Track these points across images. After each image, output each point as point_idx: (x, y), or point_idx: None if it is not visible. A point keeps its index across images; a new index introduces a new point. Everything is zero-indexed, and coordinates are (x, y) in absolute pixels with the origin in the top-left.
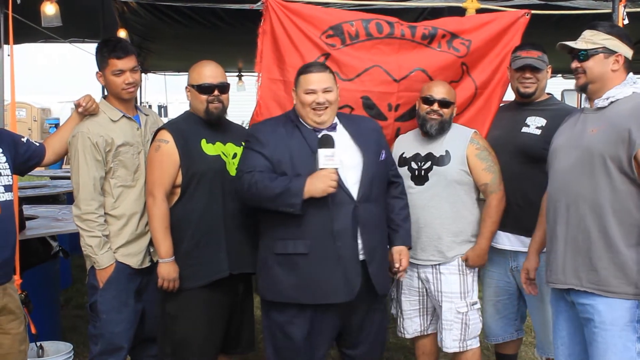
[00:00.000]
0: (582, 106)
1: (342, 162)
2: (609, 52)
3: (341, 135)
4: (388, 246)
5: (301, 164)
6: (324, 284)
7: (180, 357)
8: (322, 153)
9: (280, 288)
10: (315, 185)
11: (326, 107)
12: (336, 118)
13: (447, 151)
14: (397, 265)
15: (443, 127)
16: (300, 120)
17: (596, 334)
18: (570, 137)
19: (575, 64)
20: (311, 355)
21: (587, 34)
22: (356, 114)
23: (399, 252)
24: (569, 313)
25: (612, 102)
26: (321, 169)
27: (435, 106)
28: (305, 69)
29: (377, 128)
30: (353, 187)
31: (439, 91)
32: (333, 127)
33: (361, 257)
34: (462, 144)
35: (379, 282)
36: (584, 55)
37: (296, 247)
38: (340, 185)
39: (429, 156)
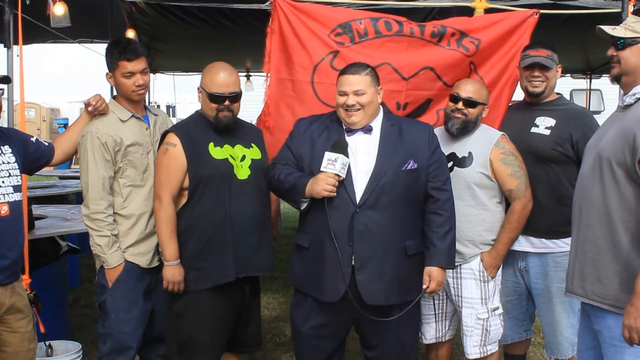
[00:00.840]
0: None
1: (357, 167)
2: None
3: (372, 138)
4: (422, 252)
5: (318, 162)
6: (316, 280)
7: (186, 355)
8: (326, 156)
9: (294, 274)
10: (313, 187)
11: (358, 109)
12: (380, 120)
13: (469, 153)
14: (424, 286)
15: (466, 127)
16: (341, 119)
17: (606, 348)
18: (596, 137)
19: (611, 52)
20: (311, 342)
21: (630, 20)
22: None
23: (428, 274)
24: (585, 321)
25: (638, 100)
26: (321, 171)
27: (460, 105)
28: (342, 70)
29: (421, 136)
30: (359, 192)
31: (466, 90)
32: (368, 129)
33: (353, 262)
34: (487, 147)
35: (367, 292)
36: (622, 43)
37: (302, 240)
38: (345, 188)
39: (452, 156)
